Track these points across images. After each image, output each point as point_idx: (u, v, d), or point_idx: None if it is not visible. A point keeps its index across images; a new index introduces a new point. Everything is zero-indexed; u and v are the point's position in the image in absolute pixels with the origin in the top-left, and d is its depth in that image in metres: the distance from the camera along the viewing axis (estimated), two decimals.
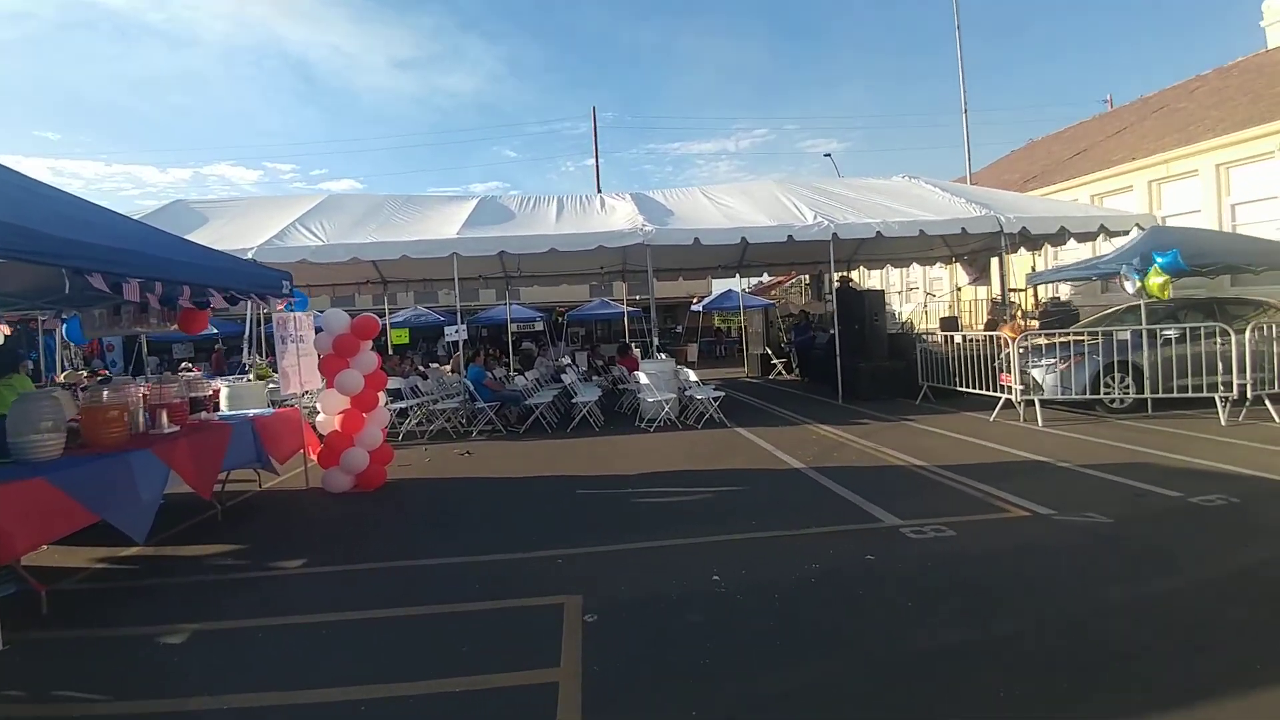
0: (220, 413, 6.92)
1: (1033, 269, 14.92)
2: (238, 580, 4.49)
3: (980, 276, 16.29)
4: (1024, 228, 11.65)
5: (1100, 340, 8.89)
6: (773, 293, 29.65)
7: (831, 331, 18.76)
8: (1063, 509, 4.93)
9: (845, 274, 15.97)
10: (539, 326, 26.19)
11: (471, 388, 9.71)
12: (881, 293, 12.73)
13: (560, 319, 26.63)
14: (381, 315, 24.43)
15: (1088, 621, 3.22)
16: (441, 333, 23.29)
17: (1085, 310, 13.57)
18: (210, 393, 6.22)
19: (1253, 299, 9.95)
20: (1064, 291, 15.52)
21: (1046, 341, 9.30)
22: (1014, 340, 9.19)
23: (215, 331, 24.07)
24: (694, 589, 3.77)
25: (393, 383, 10.22)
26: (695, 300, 29.07)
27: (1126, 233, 11.60)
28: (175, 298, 5.61)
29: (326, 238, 10.94)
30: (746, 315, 20.18)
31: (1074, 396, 8.79)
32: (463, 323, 20.55)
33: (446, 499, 6.26)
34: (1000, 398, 9.04)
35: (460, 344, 11.35)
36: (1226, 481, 5.40)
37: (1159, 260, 8.40)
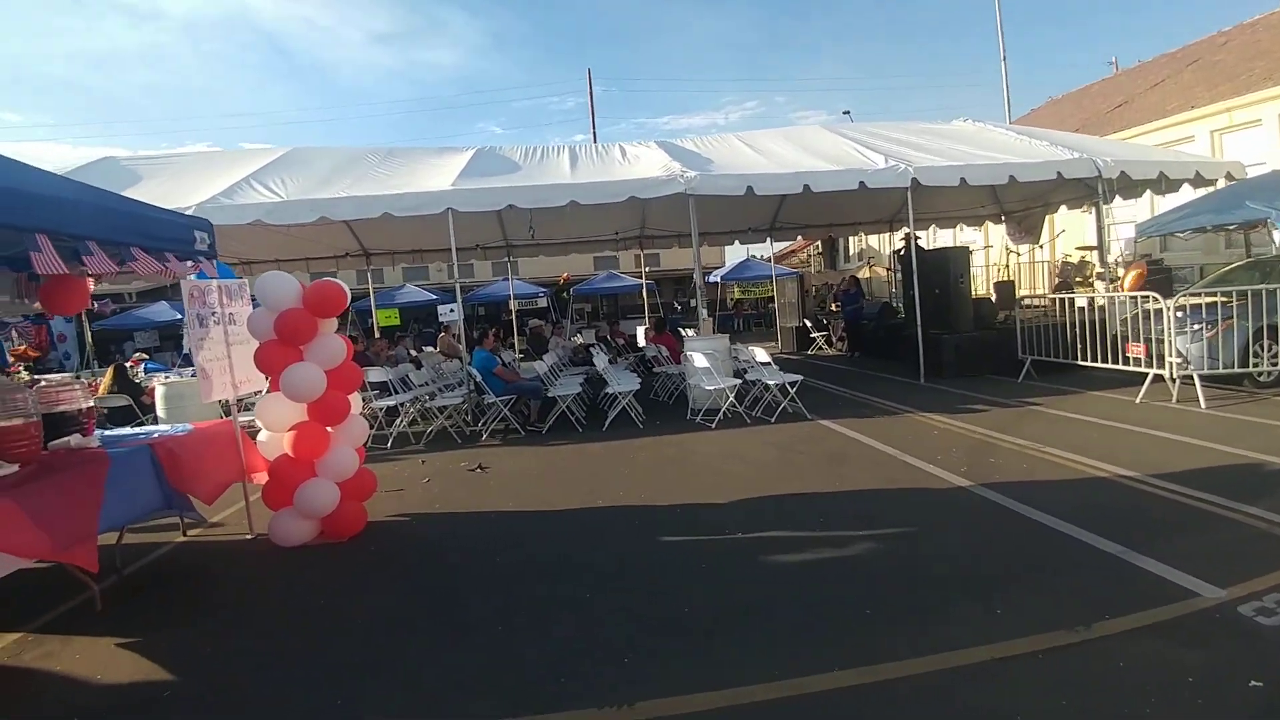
0: (122, 430, 4.81)
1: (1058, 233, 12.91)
2: None
3: (1026, 237, 14.25)
4: (1123, 172, 9.57)
5: (1249, 302, 6.84)
6: (786, 262, 27.43)
7: (886, 300, 16.87)
8: None
9: (911, 231, 13.78)
10: (542, 303, 23.96)
11: (479, 378, 7.60)
12: (966, 250, 10.60)
13: (565, 294, 24.43)
14: (363, 295, 22.26)
15: None
16: (434, 313, 21.13)
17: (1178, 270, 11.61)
18: (89, 406, 4.06)
19: None
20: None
21: (1195, 303, 7.29)
22: (1137, 297, 7.18)
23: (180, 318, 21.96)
24: None
25: (378, 374, 8.09)
26: (707, 272, 26.84)
27: (1213, 182, 9.92)
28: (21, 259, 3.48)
29: (287, 195, 8.74)
30: (778, 284, 18.00)
31: (1221, 370, 6.81)
32: (455, 301, 18.25)
33: (459, 560, 4.14)
34: (1132, 371, 7.09)
35: (457, 325, 9.27)
36: None
37: None
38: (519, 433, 7.61)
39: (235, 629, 3.36)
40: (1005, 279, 14.72)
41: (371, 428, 7.73)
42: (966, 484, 4.70)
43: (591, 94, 28.83)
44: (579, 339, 15.16)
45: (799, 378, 7.33)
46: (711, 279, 24.91)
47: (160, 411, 7.49)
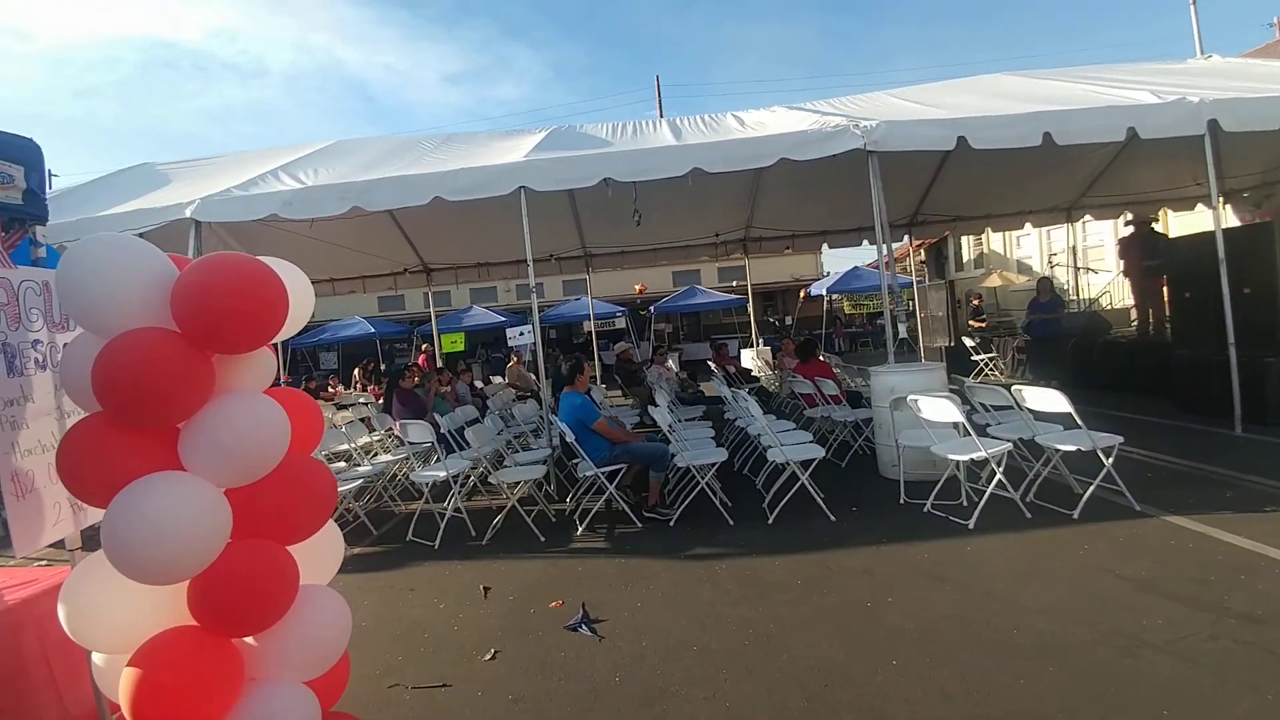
0: None
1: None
2: None
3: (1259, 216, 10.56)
4: None
5: None
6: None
7: (1093, 310, 13.07)
8: None
9: (1149, 217, 10.39)
10: (620, 323, 21.38)
11: (569, 435, 4.90)
12: (1270, 226, 7.21)
13: (644, 311, 21.82)
14: (424, 321, 20.26)
15: None
16: (502, 336, 18.87)
17: None
18: None
19: None
20: None
21: None
22: None
23: None
24: None
25: (419, 431, 5.55)
26: (802, 290, 23.57)
27: None
28: None
29: (315, 183, 6.46)
30: (920, 293, 14.74)
31: None
32: (526, 323, 15.90)
33: None
34: None
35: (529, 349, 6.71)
36: None
37: None
38: (633, 522, 4.84)
39: None
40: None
41: (417, 500, 5.18)
42: None
43: (660, 98, 26.43)
44: (672, 366, 12.39)
45: (1118, 440, 4.23)
46: (815, 292, 21.70)
47: None
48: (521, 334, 9.12)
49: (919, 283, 17.75)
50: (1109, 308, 13.90)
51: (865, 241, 13.08)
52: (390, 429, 7.19)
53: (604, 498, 4.93)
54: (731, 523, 4.67)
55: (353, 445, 6.31)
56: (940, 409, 4.51)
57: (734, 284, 26.36)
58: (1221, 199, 6.34)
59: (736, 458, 6.12)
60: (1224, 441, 5.83)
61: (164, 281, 1.72)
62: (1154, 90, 6.48)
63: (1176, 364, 7.50)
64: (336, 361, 21.96)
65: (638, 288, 24.86)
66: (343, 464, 6.41)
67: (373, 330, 20.93)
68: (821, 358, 7.92)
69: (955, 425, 4.65)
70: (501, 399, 8.86)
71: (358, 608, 2.20)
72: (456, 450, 5.79)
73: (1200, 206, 12.05)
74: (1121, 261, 10.48)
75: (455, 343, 18.55)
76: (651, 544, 4.45)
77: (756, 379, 13.27)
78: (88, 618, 1.71)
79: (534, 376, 13.28)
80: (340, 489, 5.17)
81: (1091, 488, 4.29)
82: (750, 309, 15.47)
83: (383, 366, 18.00)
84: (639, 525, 4.81)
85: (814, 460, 4.73)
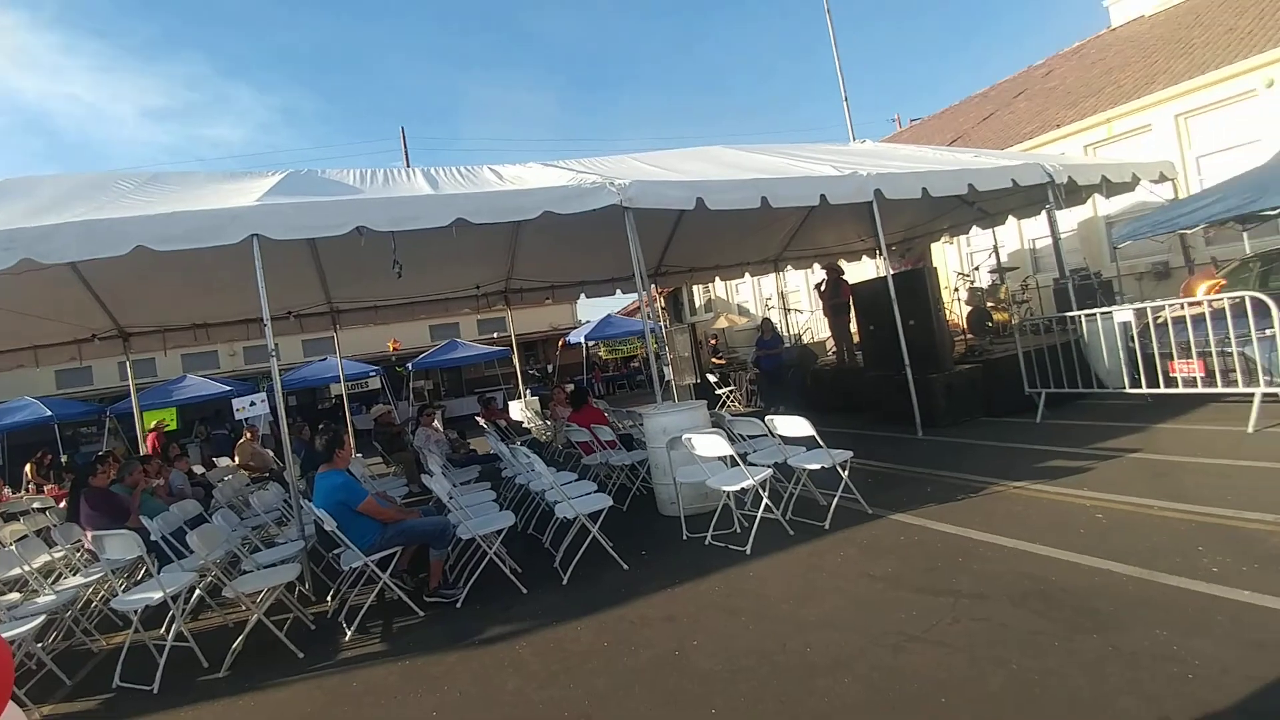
0: None
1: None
2: None
3: (912, 267, 13.83)
4: (1070, 177, 9.00)
5: None
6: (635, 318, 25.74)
7: (802, 344, 15.28)
8: None
9: (837, 265, 12.43)
10: (374, 383, 19.61)
11: (330, 524, 4.19)
12: (934, 271, 9.20)
13: (401, 370, 20.24)
14: (120, 397, 16.58)
15: None
16: (224, 410, 15.78)
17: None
18: None
19: None
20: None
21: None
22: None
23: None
24: None
25: (118, 546, 4.33)
26: (560, 339, 24.13)
27: (1132, 187, 9.81)
28: None
29: None
30: (668, 336, 15.93)
31: None
32: (256, 390, 13.82)
33: None
34: (1183, 394, 5.72)
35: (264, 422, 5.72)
36: None
37: None
38: (413, 611, 4.28)
39: None
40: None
41: (124, 630, 3.96)
42: None
43: (407, 148, 25.59)
44: (438, 426, 11.64)
45: (849, 454, 4.92)
46: (573, 339, 22.33)
47: None
48: (253, 404, 7.81)
49: (666, 327, 19.36)
50: (812, 340, 16.55)
51: (619, 290, 13.95)
52: (79, 541, 5.55)
53: (376, 589, 4.31)
54: (525, 590, 4.39)
55: (27, 568, 4.71)
56: (712, 445, 4.83)
57: (494, 335, 26.01)
58: (881, 252, 7.91)
59: (520, 517, 5.86)
60: (912, 444, 7.17)
61: None
62: (834, 165, 7.95)
63: (868, 384, 9.14)
64: (0, 456, 16.59)
65: (391, 344, 23.13)
66: (15, 595, 4.79)
67: (49, 413, 16.28)
68: (592, 403, 8.07)
69: (723, 458, 5.01)
70: (232, 486, 7.43)
71: None
72: (174, 560, 4.63)
73: (865, 258, 15.17)
74: (821, 302, 12.56)
75: (164, 418, 15.26)
76: (439, 634, 3.97)
77: (528, 430, 13.10)
78: None
79: (272, 454, 11.43)
80: (13, 633, 3.78)
81: (836, 499, 4.92)
82: (515, 360, 15.32)
83: (64, 459, 13.97)
84: (420, 614, 4.28)
85: (602, 510, 4.71)
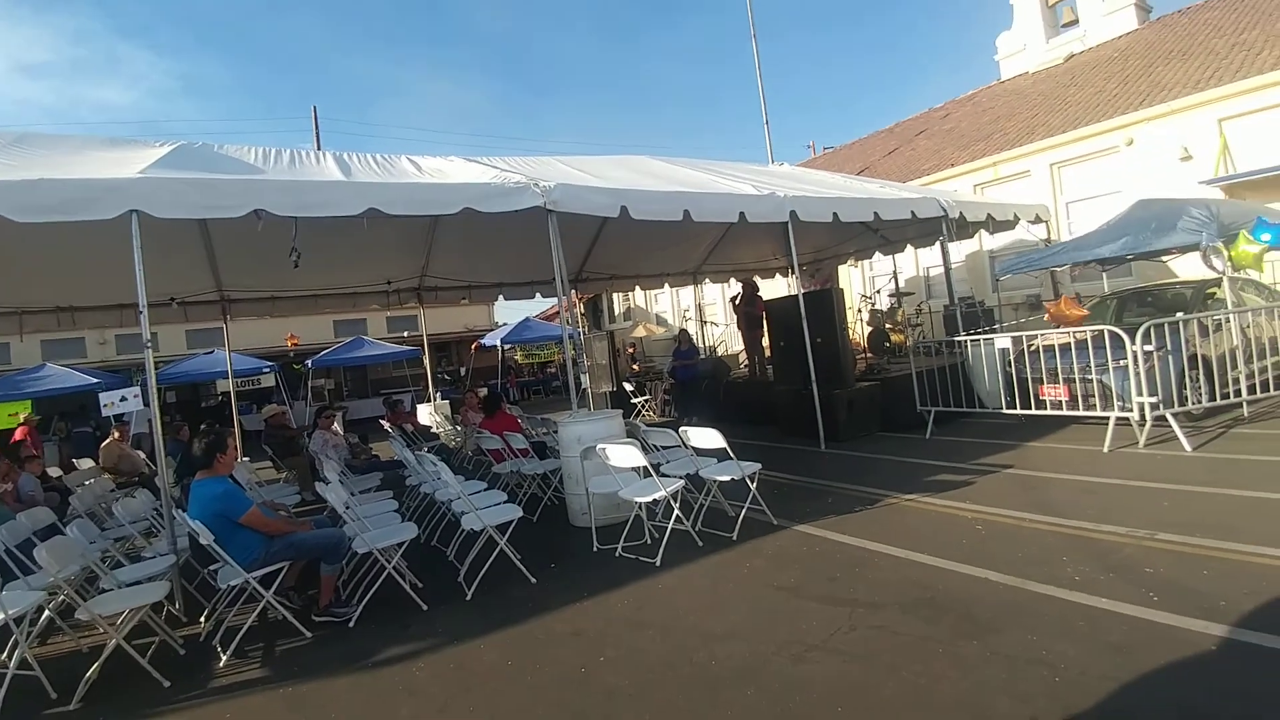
0: None
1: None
2: None
3: (821, 287, 14.58)
4: (961, 213, 9.75)
5: (1173, 331, 6.64)
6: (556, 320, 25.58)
7: (717, 356, 15.60)
8: None
9: (753, 281, 12.76)
10: (268, 380, 18.32)
11: (206, 536, 3.83)
12: (839, 292, 9.61)
13: (300, 367, 18.98)
14: None
15: None
16: (89, 405, 14.15)
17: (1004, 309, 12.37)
18: None
19: (1190, 281, 8.70)
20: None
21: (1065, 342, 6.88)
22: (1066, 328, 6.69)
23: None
24: None
25: None
26: (475, 341, 23.48)
27: (1013, 225, 10.78)
28: None
29: None
30: (586, 343, 15.84)
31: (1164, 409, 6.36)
32: (129, 384, 12.66)
33: None
34: (1051, 416, 6.34)
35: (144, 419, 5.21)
36: None
37: (1259, 231, 6.51)
38: (300, 633, 3.99)
39: None
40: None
41: None
42: (1180, 622, 2.84)
43: (318, 130, 24.27)
44: (338, 429, 11.01)
45: (758, 466, 5.04)
46: (488, 343, 21.80)
47: None
48: (124, 399, 7.11)
49: (585, 333, 19.27)
50: (726, 353, 16.98)
51: (539, 294, 13.76)
52: None
53: (258, 608, 3.98)
54: (425, 607, 4.19)
55: None
56: (626, 455, 4.82)
57: (405, 334, 24.96)
58: (793, 270, 8.25)
59: (423, 528, 5.61)
60: (815, 457, 7.47)
61: None
62: (754, 185, 8.19)
63: (777, 397, 9.45)
64: None
65: (289, 339, 21.71)
66: None
67: None
68: (506, 409, 7.89)
69: (637, 469, 5.01)
70: (93, 492, 6.69)
71: None
72: (20, 577, 4.09)
73: (778, 275, 15.76)
74: (735, 315, 12.90)
75: (16, 415, 13.57)
76: (328, 657, 3.71)
77: (436, 435, 12.65)
78: None
79: (143, 456, 10.39)
80: None
81: (744, 511, 5.02)
82: (426, 361, 14.77)
83: None
84: (308, 635, 3.99)
85: (512, 522, 4.58)
